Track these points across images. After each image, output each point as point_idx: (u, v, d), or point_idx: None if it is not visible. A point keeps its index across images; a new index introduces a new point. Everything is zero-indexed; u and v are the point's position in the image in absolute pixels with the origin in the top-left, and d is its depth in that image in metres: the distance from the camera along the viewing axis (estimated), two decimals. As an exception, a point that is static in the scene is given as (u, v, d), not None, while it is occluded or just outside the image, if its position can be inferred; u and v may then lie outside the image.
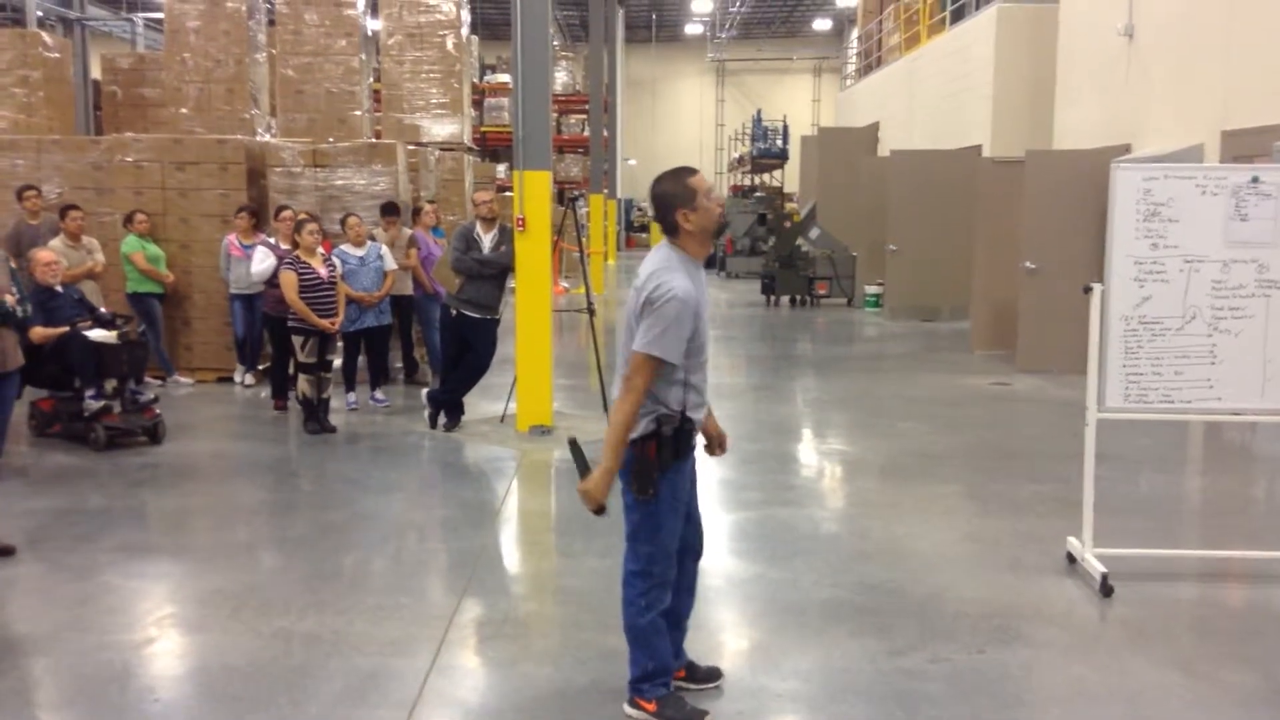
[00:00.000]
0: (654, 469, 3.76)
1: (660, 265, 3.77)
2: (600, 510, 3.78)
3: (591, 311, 9.67)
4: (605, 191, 25.40)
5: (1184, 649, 4.62)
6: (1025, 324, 11.85)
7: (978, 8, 19.22)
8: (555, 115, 28.33)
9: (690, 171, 3.85)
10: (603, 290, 21.47)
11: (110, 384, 8.28)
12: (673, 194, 3.79)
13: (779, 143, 32.43)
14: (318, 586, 5.35)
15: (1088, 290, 5.35)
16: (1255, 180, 5.23)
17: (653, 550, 3.87)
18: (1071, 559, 5.63)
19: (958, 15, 20.66)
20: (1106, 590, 5.18)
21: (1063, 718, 4.03)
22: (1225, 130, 11.22)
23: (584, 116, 29.50)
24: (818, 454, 8.55)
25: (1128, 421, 5.56)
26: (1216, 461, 8.50)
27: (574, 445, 3.99)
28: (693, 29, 41.12)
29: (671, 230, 3.82)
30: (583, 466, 3.89)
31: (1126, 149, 12.87)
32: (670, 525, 3.88)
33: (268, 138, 12.58)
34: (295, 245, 9.01)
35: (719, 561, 5.70)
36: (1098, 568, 5.29)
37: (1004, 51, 17.49)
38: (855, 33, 34.36)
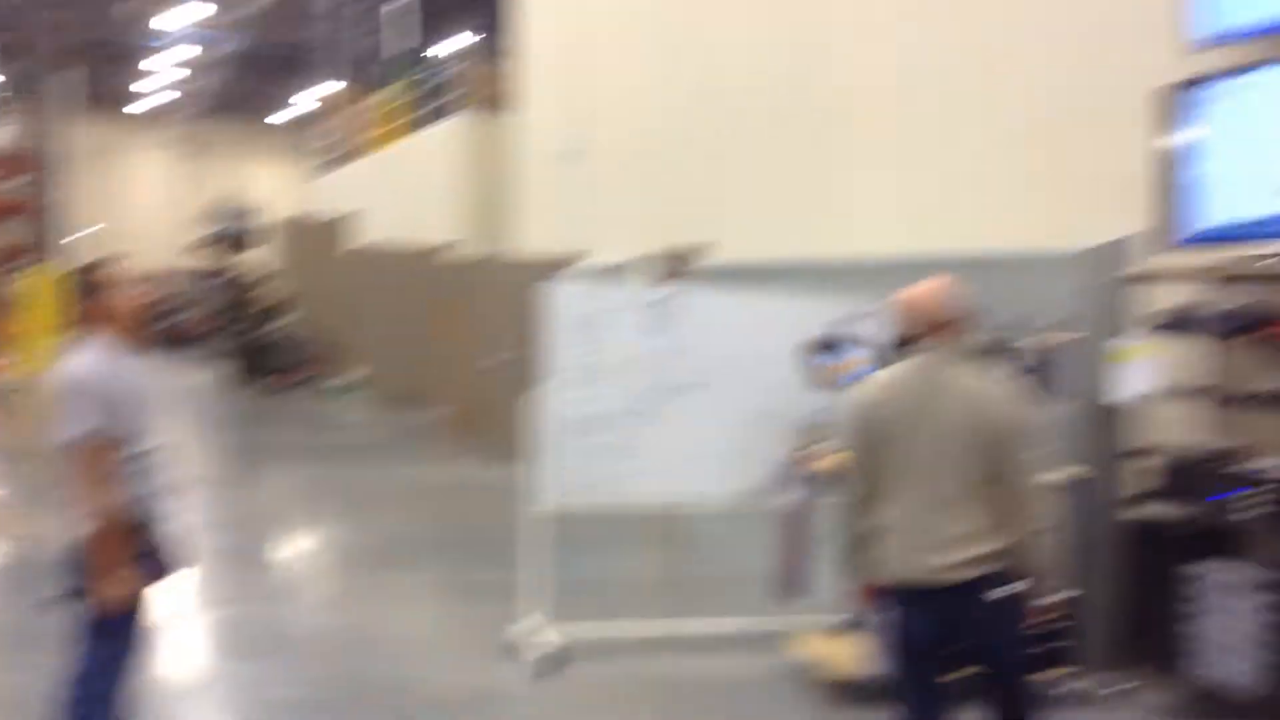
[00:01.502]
0: (101, 567, 3.66)
1: (74, 354, 3.81)
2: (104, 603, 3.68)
3: (22, 391, 8.83)
4: (50, 263, 23.24)
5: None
6: (485, 418, 12.41)
7: (442, 115, 20.09)
8: (-8, 178, 25.60)
9: (109, 262, 3.94)
10: (41, 368, 19.53)
11: None
12: (91, 283, 3.87)
13: (245, 225, 31.51)
14: None
15: (529, 391, 5.83)
16: (667, 298, 6.01)
17: (102, 654, 3.81)
18: (516, 642, 5.98)
19: (428, 118, 21.47)
20: (550, 669, 5.57)
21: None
22: (658, 247, 12.52)
23: (28, 180, 26.88)
24: (288, 547, 8.41)
25: (574, 509, 6.07)
26: (649, 545, 9.36)
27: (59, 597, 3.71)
28: (153, 101, 39.09)
29: (93, 318, 3.86)
30: (76, 586, 3.61)
31: (574, 259, 13.94)
32: (122, 630, 3.81)
33: None
34: None
35: (186, 662, 5.48)
36: (543, 647, 5.69)
37: (466, 157, 18.41)
38: (325, 122, 34.44)
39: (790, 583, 5.90)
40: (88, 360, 3.73)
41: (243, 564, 7.61)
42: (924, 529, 3.60)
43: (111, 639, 3.77)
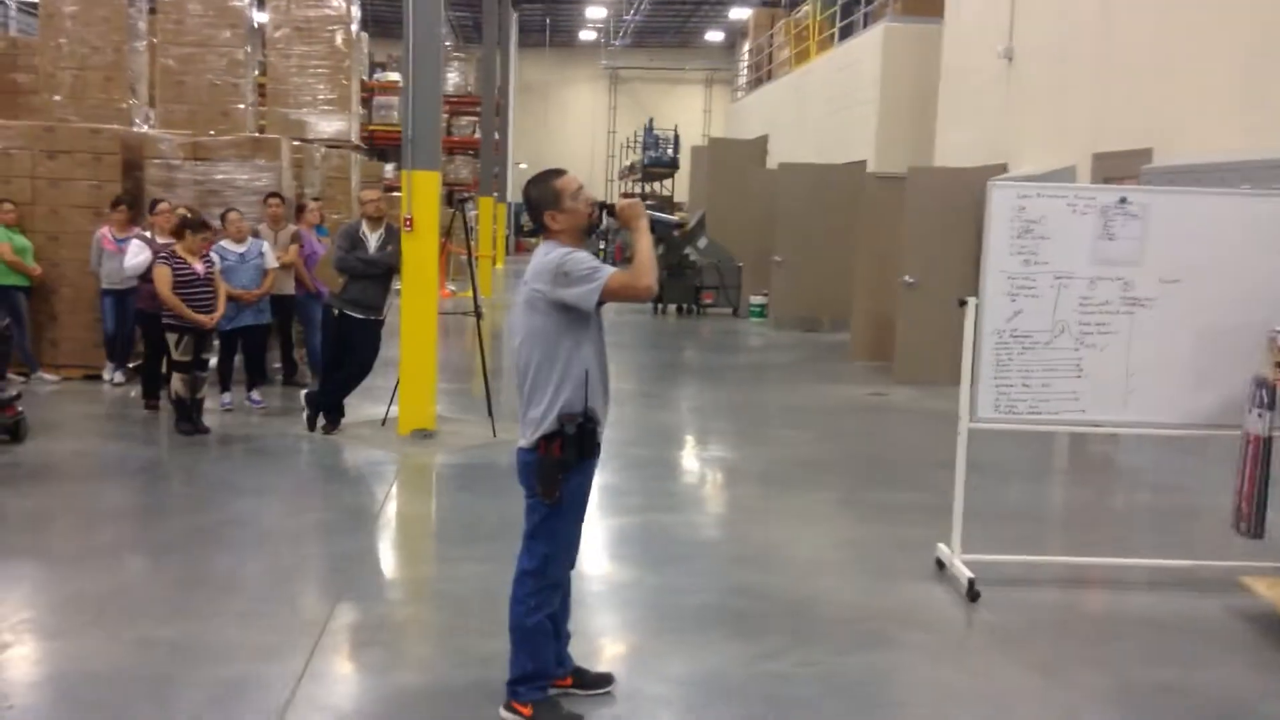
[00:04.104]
0: (559, 469, 3.77)
1: (566, 248, 3.82)
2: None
3: (479, 315, 9.60)
4: (495, 195, 25.26)
5: (1044, 652, 4.78)
6: (903, 336, 12.12)
7: (865, 25, 19.64)
8: (446, 116, 28.08)
9: (557, 174, 3.93)
10: (490, 294, 21.34)
11: (-30, 379, 7.94)
12: (539, 196, 3.89)
13: (670, 152, 32.62)
14: (185, 592, 5.21)
15: (962, 304, 5.51)
16: (1123, 201, 5.45)
17: (549, 551, 3.89)
18: (941, 565, 5.78)
19: (846, 32, 21.09)
20: (973, 595, 5.32)
21: (927, 718, 4.13)
22: (1096, 153, 11.65)
23: (475, 119, 29.29)
24: (699, 460, 8.63)
25: (998, 432, 5.72)
26: (1080, 472, 8.81)
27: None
28: (586, 35, 41.17)
29: (544, 229, 3.90)
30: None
31: (1003, 168, 13.27)
32: (570, 527, 3.92)
33: (146, 128, 12.21)
34: (179, 237, 8.67)
35: (598, 567, 5.71)
36: (965, 573, 5.44)
37: (889, 69, 17.91)
38: (746, 45, 34.79)
39: (1251, 520, 5.23)
40: (574, 251, 3.80)
41: (652, 475, 7.88)
42: None
43: (559, 537, 3.94)
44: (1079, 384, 5.52)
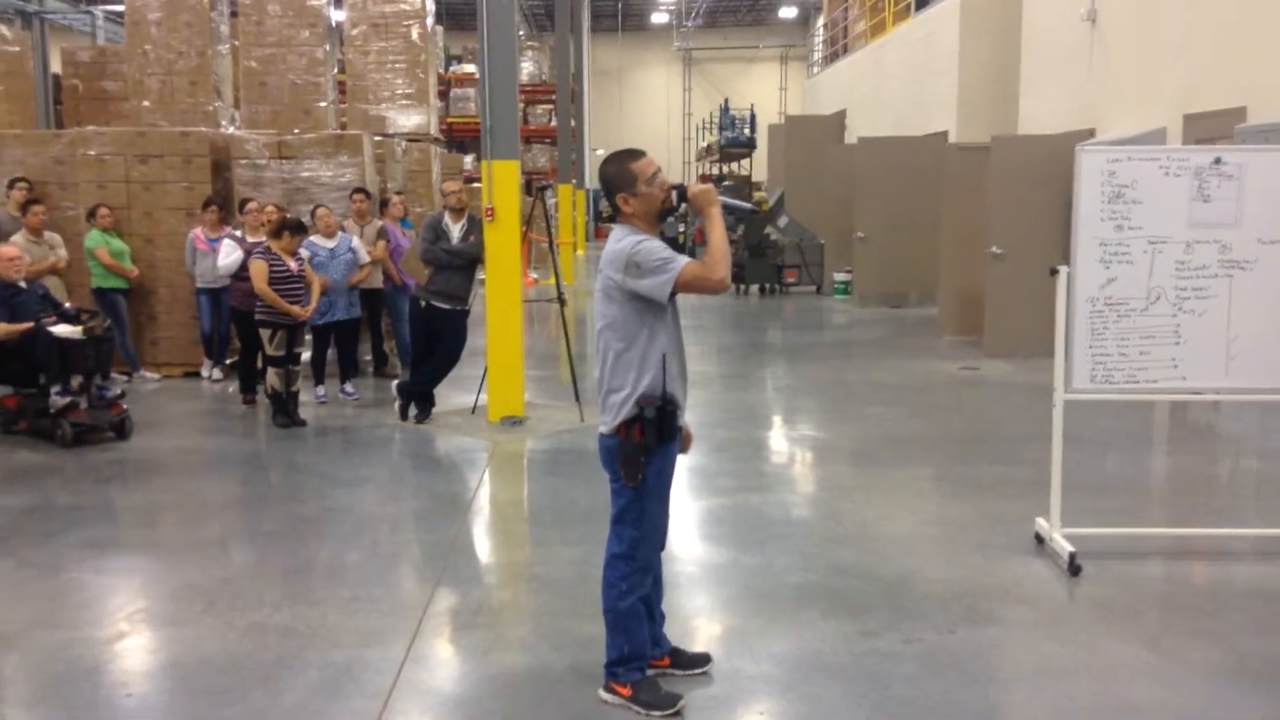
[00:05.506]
0: (640, 452, 3.79)
1: (638, 235, 3.81)
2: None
3: (562, 301, 9.65)
4: (574, 182, 25.35)
5: (1150, 625, 4.69)
6: (992, 309, 11.92)
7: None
8: (522, 105, 28.24)
9: (635, 155, 3.89)
10: (573, 280, 21.43)
11: (76, 380, 8.21)
12: (615, 176, 3.86)
13: (746, 131, 32.41)
14: (291, 580, 5.34)
15: (1054, 272, 5.40)
16: (1218, 161, 5.29)
17: (637, 534, 3.90)
18: (1040, 539, 5.69)
19: (922, 2, 20.74)
20: (1075, 569, 5.24)
21: (1031, 694, 4.08)
22: (1187, 114, 11.33)
23: (551, 107, 29.43)
24: (788, 440, 8.59)
25: (1094, 403, 5.60)
26: (1181, 441, 8.60)
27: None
28: (659, 18, 41.07)
29: (616, 210, 3.89)
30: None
31: (1091, 133, 12.97)
32: (656, 509, 3.94)
33: (232, 130, 12.47)
34: (277, 237, 8.85)
35: (692, 548, 5.73)
36: (1066, 547, 5.35)
37: (969, 38, 17.58)
38: (820, 20, 34.42)
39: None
40: (648, 240, 3.77)
41: (741, 456, 7.86)
42: None
43: (646, 520, 3.96)
44: (1178, 350, 5.39)
